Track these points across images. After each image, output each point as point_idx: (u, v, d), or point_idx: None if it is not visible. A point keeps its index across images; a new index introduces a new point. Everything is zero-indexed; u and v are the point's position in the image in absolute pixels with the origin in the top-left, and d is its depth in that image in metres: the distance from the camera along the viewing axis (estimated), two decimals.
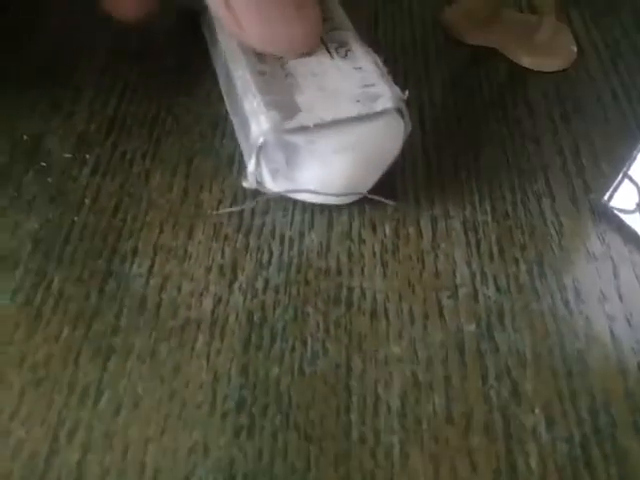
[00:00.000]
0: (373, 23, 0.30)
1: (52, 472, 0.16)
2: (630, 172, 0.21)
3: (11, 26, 0.28)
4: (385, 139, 0.20)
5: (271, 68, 0.21)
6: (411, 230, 0.22)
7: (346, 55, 0.21)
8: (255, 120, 0.20)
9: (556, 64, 0.28)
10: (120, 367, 0.18)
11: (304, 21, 0.20)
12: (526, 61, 0.28)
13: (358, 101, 0.20)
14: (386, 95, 0.20)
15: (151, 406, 0.17)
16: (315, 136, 0.19)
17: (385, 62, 0.21)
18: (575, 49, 0.29)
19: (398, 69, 0.28)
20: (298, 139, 0.19)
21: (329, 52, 0.21)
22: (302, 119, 0.19)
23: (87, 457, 0.16)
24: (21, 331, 0.19)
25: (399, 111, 0.20)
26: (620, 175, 0.22)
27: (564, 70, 0.28)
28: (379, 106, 0.20)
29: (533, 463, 0.17)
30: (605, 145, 0.25)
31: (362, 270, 0.21)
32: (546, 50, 0.28)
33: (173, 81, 0.27)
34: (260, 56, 0.21)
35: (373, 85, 0.20)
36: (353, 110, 0.20)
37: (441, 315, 0.20)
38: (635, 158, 0.21)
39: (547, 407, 0.18)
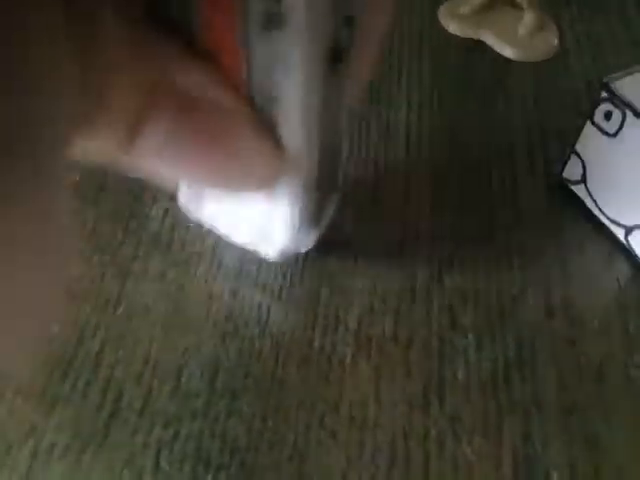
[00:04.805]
0: None
1: (77, 358, 0.21)
2: (576, 148, 0.25)
3: None
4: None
5: None
6: (388, 186, 0.26)
7: None
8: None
9: (536, 56, 0.32)
10: (136, 285, 0.23)
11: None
12: (509, 52, 0.32)
13: (249, 242, 0.20)
14: (277, 244, 0.20)
15: (157, 314, 0.22)
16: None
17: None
18: (556, 42, 0.32)
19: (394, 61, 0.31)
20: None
21: None
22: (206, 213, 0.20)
23: (104, 349, 0.21)
24: None
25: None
26: (569, 151, 0.25)
27: (545, 61, 0.32)
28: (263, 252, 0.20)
29: (460, 375, 0.21)
30: (572, 127, 0.28)
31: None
32: (528, 43, 0.32)
33: None
34: None
35: (270, 226, 0.19)
36: (242, 239, 0.20)
37: (401, 259, 0.24)
38: (580, 136, 0.24)
39: (479, 335, 0.22)
